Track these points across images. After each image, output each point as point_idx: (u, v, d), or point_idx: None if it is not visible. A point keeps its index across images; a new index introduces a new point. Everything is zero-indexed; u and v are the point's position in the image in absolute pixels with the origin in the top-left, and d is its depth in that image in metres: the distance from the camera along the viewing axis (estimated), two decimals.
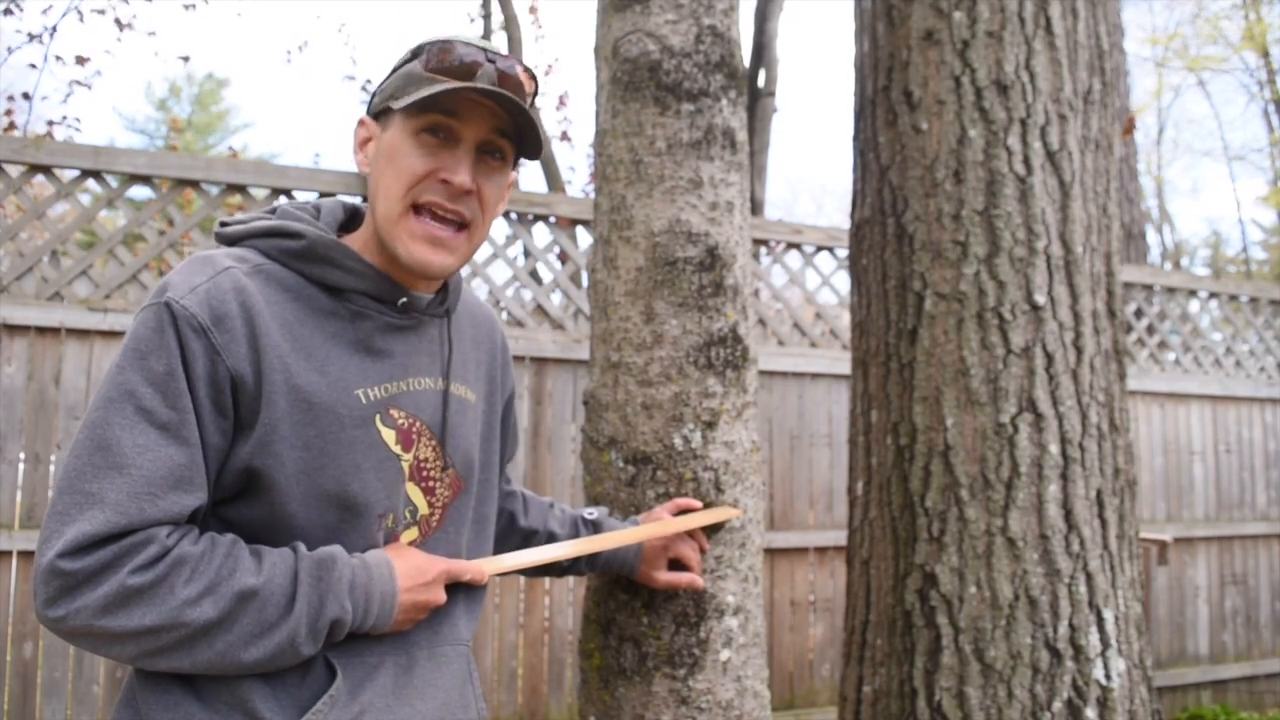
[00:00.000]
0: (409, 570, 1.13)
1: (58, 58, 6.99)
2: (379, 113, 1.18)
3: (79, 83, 7.08)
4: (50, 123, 6.78)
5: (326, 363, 1.09)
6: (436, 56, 1.13)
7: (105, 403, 1.01)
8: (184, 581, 0.98)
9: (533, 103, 1.18)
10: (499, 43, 8.10)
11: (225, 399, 1.04)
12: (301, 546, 1.07)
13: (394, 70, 1.18)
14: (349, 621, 1.06)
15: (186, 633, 0.99)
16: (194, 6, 7.61)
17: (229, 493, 1.08)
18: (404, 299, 1.16)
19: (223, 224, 1.20)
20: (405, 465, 1.15)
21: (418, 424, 1.17)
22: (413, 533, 1.18)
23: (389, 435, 1.13)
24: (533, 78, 1.17)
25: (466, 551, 1.27)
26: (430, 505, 1.20)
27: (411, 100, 1.09)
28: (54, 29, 6.76)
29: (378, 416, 1.12)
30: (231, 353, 1.03)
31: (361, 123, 1.20)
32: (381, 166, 1.14)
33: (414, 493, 1.17)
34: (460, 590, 1.24)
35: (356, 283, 1.13)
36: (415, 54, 1.16)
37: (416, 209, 1.13)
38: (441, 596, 1.16)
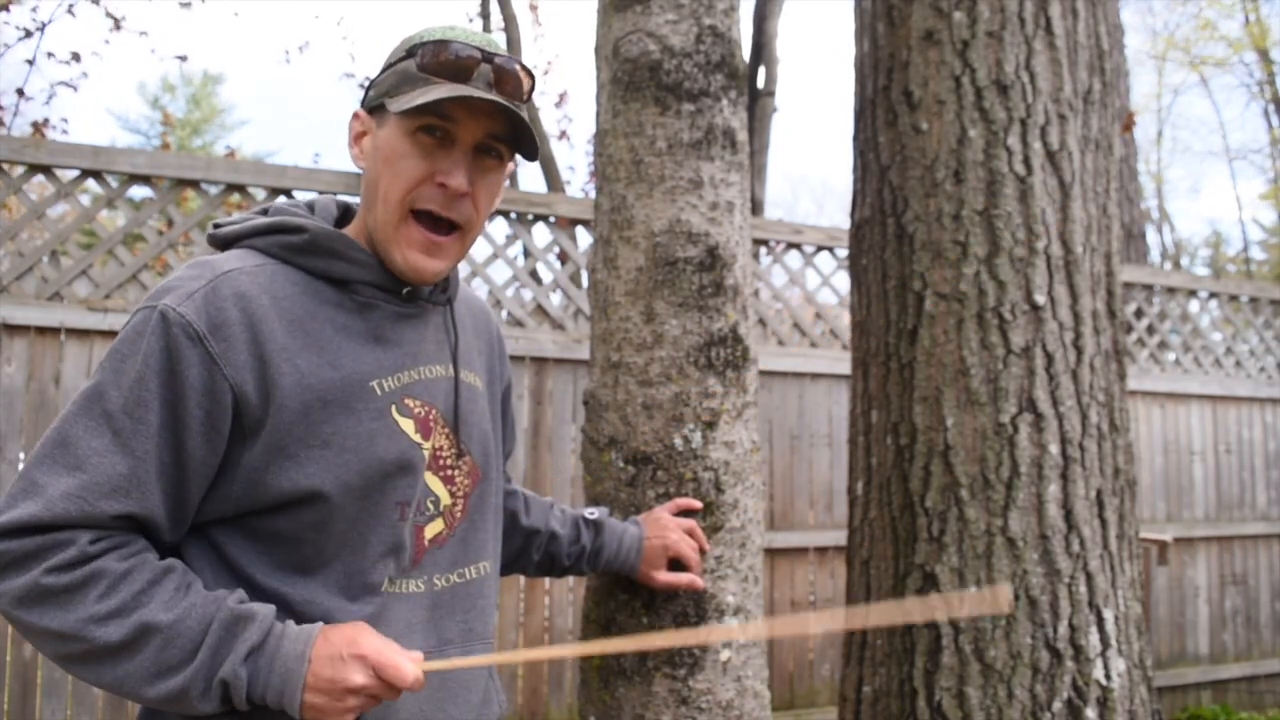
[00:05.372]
0: (330, 643, 1.00)
1: (49, 54, 6.87)
2: (374, 108, 1.15)
3: (65, 84, 6.94)
4: (36, 124, 6.58)
5: (339, 356, 1.08)
6: (431, 55, 1.10)
7: (81, 399, 1.01)
8: (98, 596, 0.97)
9: (529, 98, 1.16)
10: (498, 42, 8.07)
11: (222, 410, 1.01)
12: (236, 595, 1.02)
13: (388, 66, 1.15)
14: (241, 688, 0.97)
15: (88, 648, 0.96)
16: (189, 4, 7.53)
17: (249, 508, 1.05)
18: (407, 287, 1.15)
19: (216, 226, 1.17)
20: (426, 454, 1.14)
21: (433, 412, 1.16)
22: (438, 524, 1.16)
23: (408, 425, 1.12)
24: (530, 75, 1.15)
25: (494, 543, 1.26)
26: (451, 495, 1.18)
27: (404, 108, 1.07)
28: (43, 26, 6.61)
29: (393, 407, 1.11)
30: (230, 361, 1.01)
31: (356, 116, 1.17)
32: (379, 167, 1.12)
33: (433, 482, 1.15)
34: (489, 582, 1.23)
35: (362, 273, 1.12)
36: (410, 52, 1.12)
37: (414, 214, 1.11)
38: (353, 677, 0.98)
